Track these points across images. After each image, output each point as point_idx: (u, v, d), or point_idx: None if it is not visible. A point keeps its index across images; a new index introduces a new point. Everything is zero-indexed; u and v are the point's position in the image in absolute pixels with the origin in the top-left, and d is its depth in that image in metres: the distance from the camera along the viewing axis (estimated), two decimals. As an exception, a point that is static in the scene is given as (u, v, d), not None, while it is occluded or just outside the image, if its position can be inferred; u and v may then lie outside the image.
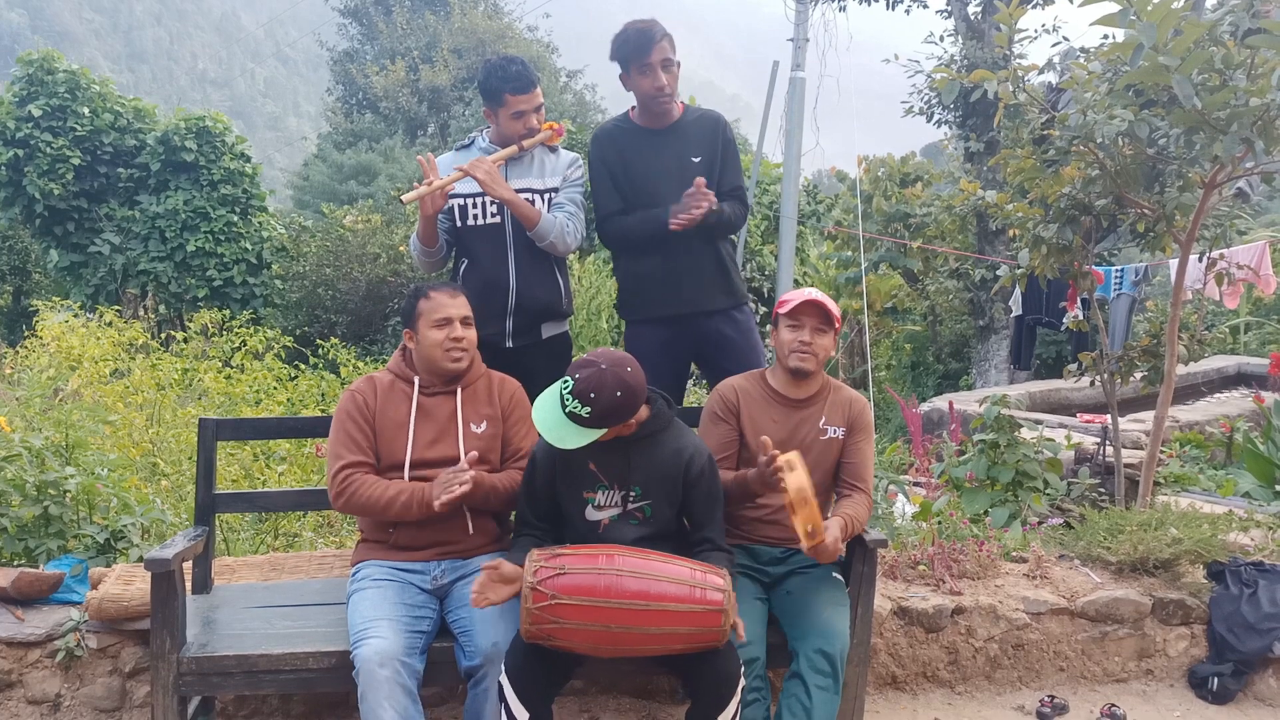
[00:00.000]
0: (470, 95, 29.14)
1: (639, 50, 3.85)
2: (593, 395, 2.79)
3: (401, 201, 3.73)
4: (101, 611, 3.46)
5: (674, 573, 2.71)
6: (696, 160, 3.98)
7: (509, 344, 3.90)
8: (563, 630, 2.66)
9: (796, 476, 2.85)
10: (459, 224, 3.92)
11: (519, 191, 3.83)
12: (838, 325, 3.36)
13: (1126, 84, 4.24)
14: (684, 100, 4.16)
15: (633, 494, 3.03)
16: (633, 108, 4.08)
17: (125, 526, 4.12)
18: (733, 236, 4.23)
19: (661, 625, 2.66)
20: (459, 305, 3.26)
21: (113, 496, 4.24)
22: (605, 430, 2.87)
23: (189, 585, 3.45)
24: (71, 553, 3.98)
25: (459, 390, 3.30)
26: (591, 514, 3.03)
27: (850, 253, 14.97)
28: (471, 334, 3.29)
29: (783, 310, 3.35)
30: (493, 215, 3.87)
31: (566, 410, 2.84)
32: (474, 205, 3.88)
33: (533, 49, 32.31)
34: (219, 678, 2.98)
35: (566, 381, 2.85)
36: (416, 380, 3.28)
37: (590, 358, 2.88)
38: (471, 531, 3.23)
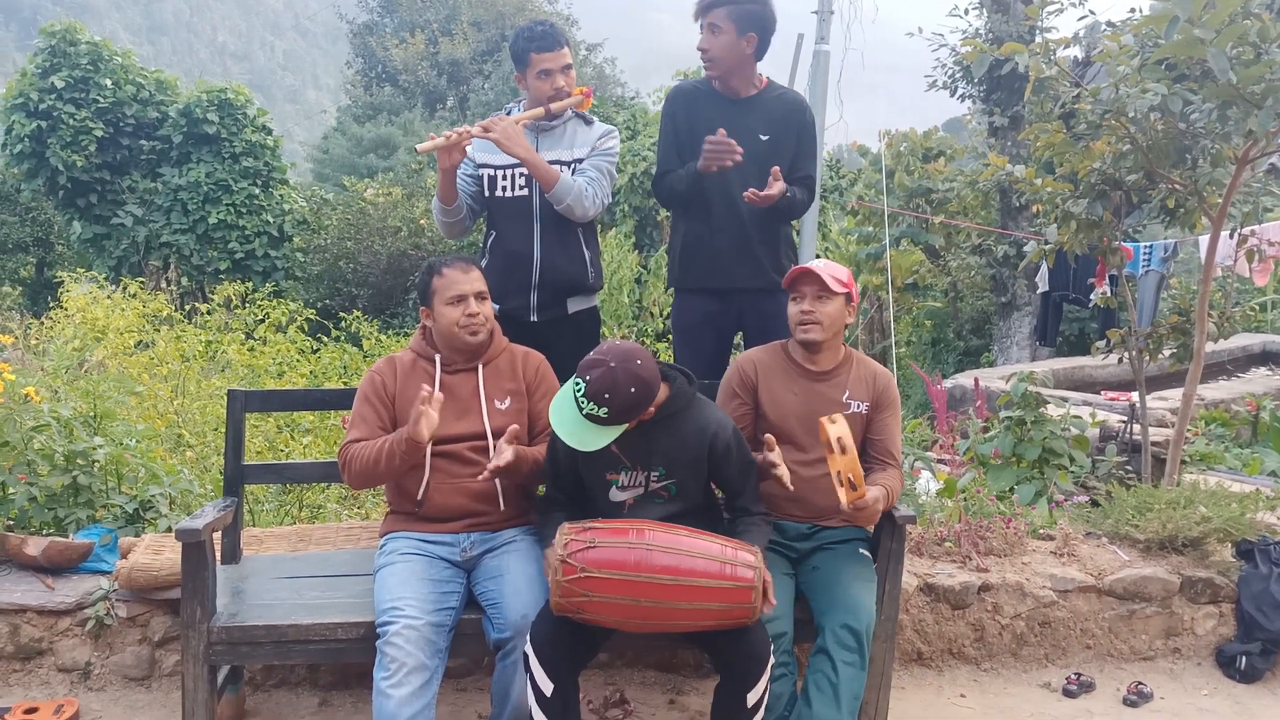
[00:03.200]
0: (490, 69, 29.06)
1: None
2: (607, 395, 2.74)
3: (416, 150, 3.70)
4: (131, 581, 3.49)
5: (705, 549, 2.70)
6: (764, 139, 3.94)
7: (533, 318, 3.89)
8: (592, 604, 2.66)
9: (837, 428, 2.82)
10: (487, 194, 3.90)
11: (549, 162, 3.79)
12: (849, 290, 3.31)
13: (1159, 58, 4.18)
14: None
15: (656, 474, 3.01)
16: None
17: (153, 496, 4.15)
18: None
19: (691, 601, 2.65)
20: (472, 280, 3.23)
21: (140, 467, 4.27)
22: (626, 426, 2.83)
23: (218, 555, 3.46)
24: (100, 522, 4.01)
25: (480, 367, 3.29)
26: (615, 495, 3.02)
27: (872, 228, 14.88)
28: (487, 308, 3.26)
29: (785, 285, 3.34)
30: (521, 188, 3.84)
31: (584, 412, 2.79)
32: (503, 177, 3.86)
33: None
34: (249, 647, 2.99)
35: (579, 384, 2.79)
36: (438, 358, 3.27)
37: (598, 356, 2.81)
38: (503, 505, 3.22)
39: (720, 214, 3.94)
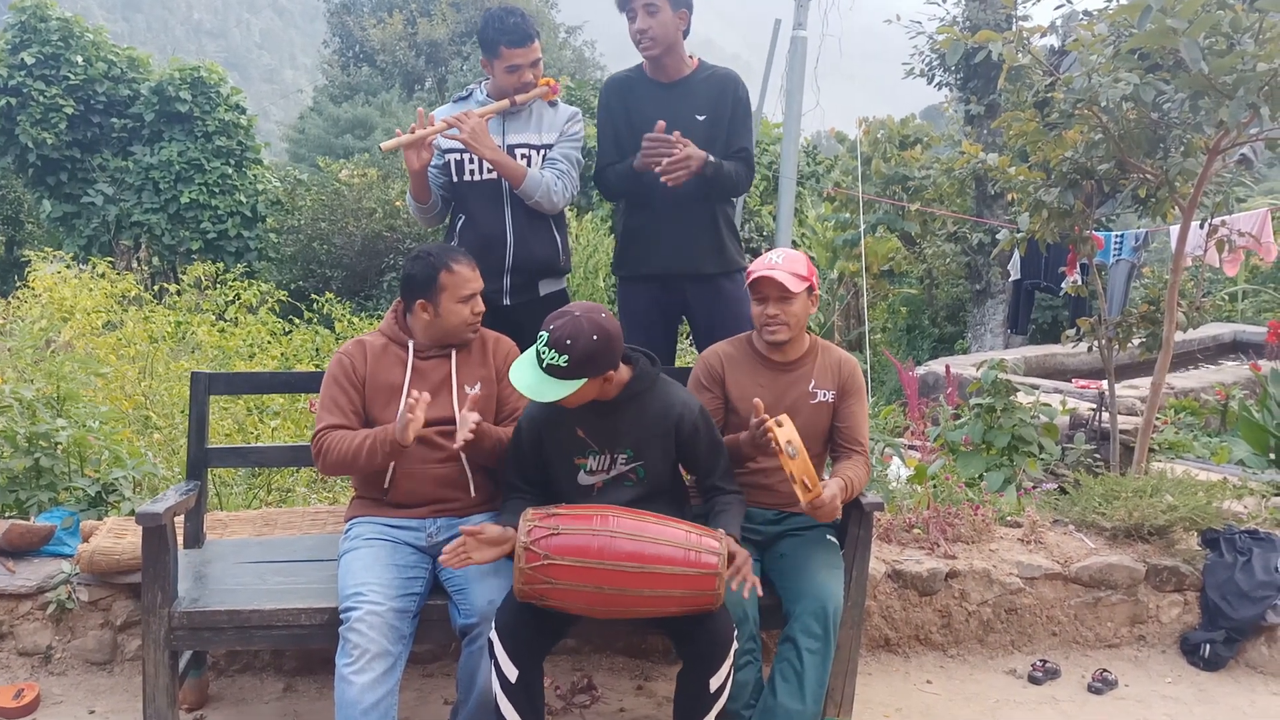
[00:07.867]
0: (468, 50, 28.90)
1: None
2: (569, 342, 2.74)
3: (381, 149, 3.66)
4: (93, 565, 3.46)
5: (669, 535, 2.69)
6: (701, 119, 3.93)
7: (506, 301, 3.87)
8: (555, 590, 2.65)
9: (785, 431, 2.84)
10: (455, 179, 3.86)
11: (516, 146, 3.78)
12: (810, 282, 3.26)
13: (1132, 47, 4.18)
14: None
15: (624, 457, 3.00)
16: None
17: (117, 479, 4.11)
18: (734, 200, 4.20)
19: (655, 588, 2.64)
20: (479, 278, 3.24)
21: (104, 449, 4.22)
22: (585, 380, 2.80)
23: (181, 539, 3.43)
24: (63, 505, 3.97)
25: (454, 352, 3.26)
26: (584, 479, 3.01)
27: (848, 214, 14.89)
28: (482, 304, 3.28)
29: (748, 281, 3.29)
30: (489, 170, 3.81)
31: (544, 364, 2.78)
32: (470, 160, 3.82)
33: (531, 3, 32.00)
34: (211, 633, 2.97)
35: (542, 335, 2.81)
36: (411, 344, 3.24)
37: (563, 309, 2.85)
38: (473, 490, 3.21)
39: (659, 200, 3.91)
